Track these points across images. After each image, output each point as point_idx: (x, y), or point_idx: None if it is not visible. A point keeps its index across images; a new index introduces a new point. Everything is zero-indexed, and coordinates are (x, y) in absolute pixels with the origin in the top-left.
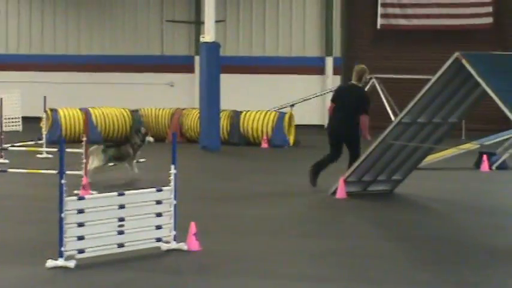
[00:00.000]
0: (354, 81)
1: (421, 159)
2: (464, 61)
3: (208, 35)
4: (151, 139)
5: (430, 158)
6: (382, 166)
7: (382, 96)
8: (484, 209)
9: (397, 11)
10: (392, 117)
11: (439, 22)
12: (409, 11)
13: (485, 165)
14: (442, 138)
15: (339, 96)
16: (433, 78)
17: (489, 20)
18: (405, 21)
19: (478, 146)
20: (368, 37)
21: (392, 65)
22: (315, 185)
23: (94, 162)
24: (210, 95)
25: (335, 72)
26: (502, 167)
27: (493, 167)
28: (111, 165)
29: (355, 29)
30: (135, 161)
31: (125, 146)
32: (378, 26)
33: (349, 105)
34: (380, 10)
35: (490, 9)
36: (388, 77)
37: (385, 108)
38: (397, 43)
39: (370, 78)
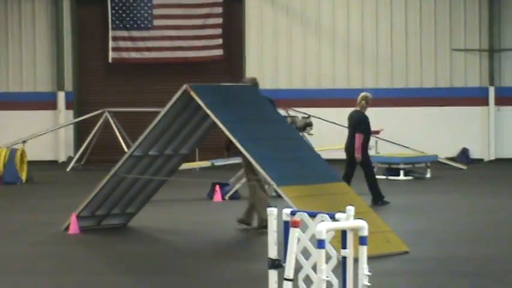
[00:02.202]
0: (357, 107)
1: (154, 191)
2: (192, 93)
3: None
4: (311, 131)
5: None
6: (115, 200)
7: (115, 129)
8: (217, 238)
9: (128, 44)
10: (127, 151)
11: (171, 55)
12: (141, 44)
13: (218, 196)
14: (175, 170)
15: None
16: (163, 111)
17: (220, 52)
18: (137, 55)
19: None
20: (100, 71)
21: (125, 98)
22: None
23: None
24: None
25: (67, 107)
26: (235, 196)
27: (226, 197)
28: None
29: (87, 63)
30: None
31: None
32: (110, 60)
33: (349, 129)
34: (111, 44)
35: (220, 41)
36: (121, 111)
37: (119, 142)
38: (130, 76)
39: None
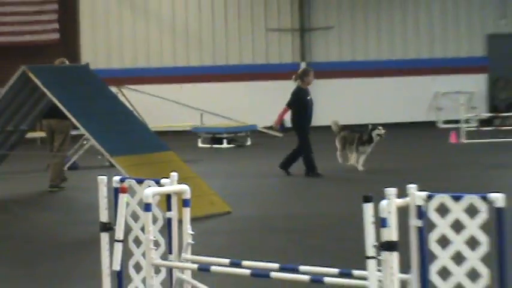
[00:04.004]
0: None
1: None
2: (30, 74)
3: None
4: (379, 132)
5: None
6: None
7: None
8: (55, 206)
9: None
10: None
11: (10, 39)
12: None
13: None
14: (16, 145)
15: None
16: (2, 91)
17: (56, 35)
18: None
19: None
20: None
21: None
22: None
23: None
24: None
25: None
26: (73, 167)
27: (65, 168)
28: None
29: None
30: (355, 153)
31: (355, 133)
32: None
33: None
34: None
35: (56, 25)
36: None
37: None
38: None
39: None
